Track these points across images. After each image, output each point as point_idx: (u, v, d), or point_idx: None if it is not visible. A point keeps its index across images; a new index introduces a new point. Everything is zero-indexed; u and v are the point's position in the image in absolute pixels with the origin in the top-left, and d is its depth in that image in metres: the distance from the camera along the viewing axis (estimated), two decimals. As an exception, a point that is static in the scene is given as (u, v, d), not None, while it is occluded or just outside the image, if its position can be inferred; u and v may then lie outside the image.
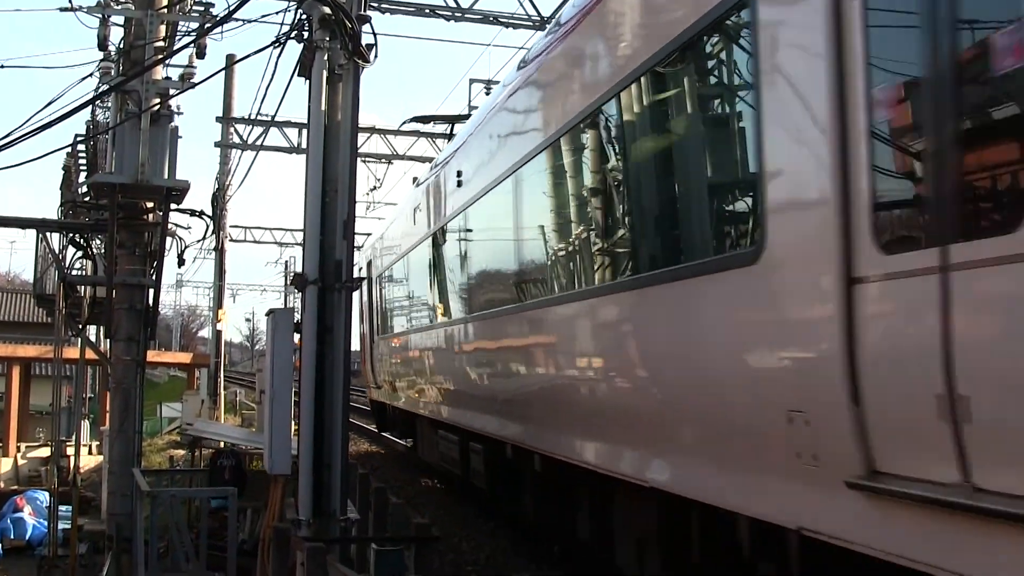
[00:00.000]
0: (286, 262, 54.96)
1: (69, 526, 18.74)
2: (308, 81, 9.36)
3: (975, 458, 3.65)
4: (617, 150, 7.09)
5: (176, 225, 15.48)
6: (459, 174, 11.75)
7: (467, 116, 17.88)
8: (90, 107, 17.13)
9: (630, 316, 6.72)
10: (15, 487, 28.72)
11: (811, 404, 4.53)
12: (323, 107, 9.28)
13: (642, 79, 6.38)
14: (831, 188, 4.25)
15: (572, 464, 7.89)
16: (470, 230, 11.58)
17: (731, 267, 5.17)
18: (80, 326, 17.70)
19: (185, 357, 52.72)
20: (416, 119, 21.72)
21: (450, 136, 19.96)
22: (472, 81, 26.41)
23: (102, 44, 14.59)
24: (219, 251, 32.88)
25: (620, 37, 6.91)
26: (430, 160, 22.58)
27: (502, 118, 10.12)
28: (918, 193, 4.04)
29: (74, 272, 17.68)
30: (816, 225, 4.38)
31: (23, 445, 33.22)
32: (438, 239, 13.31)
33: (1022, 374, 3.37)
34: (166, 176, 13.92)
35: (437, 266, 13.58)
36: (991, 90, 3.68)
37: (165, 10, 14.27)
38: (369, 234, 26.14)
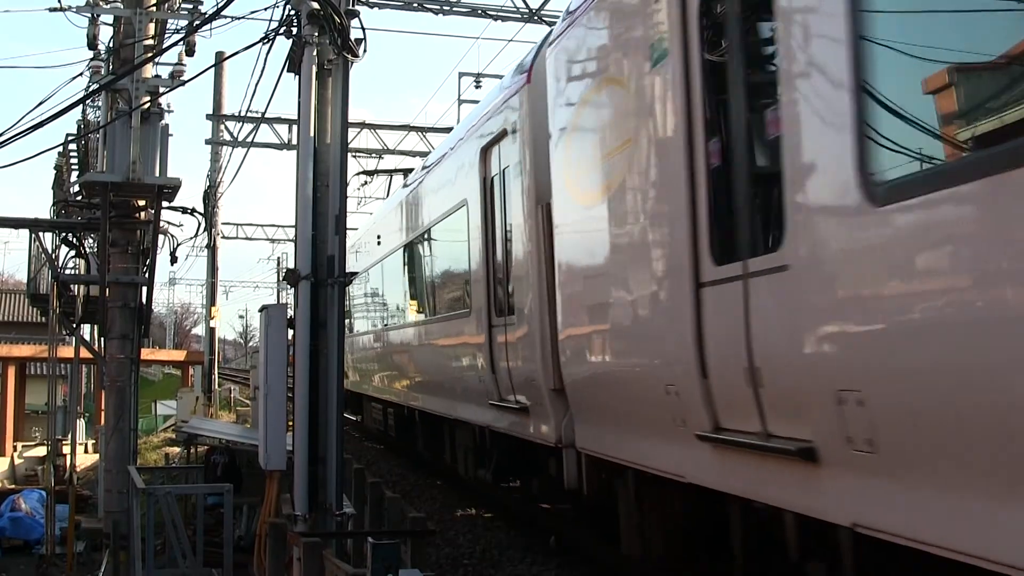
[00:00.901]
0: (278, 258, 54.79)
1: (66, 524, 18.79)
2: (297, 77, 9.36)
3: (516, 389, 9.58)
4: (427, 257, 14.08)
5: (168, 223, 15.55)
6: (378, 237, 18.41)
7: (409, 170, 21.25)
8: (81, 106, 17.09)
9: (438, 334, 13.05)
10: (12, 486, 28.76)
11: (483, 373, 10.34)
12: (313, 102, 9.28)
13: (433, 228, 13.35)
14: (484, 291, 10.28)
15: (433, 415, 14.02)
16: (381, 276, 18.65)
17: (465, 316, 11.28)
18: (74, 325, 17.73)
19: (179, 354, 52.76)
20: (363, 172, 26.95)
21: (391, 188, 24.65)
22: (461, 75, 26.45)
23: (92, 43, 14.58)
24: (211, 248, 32.87)
25: (430, 206, 13.68)
26: (423, 155, 22.81)
27: (386, 221, 17.65)
28: (509, 301, 9.63)
29: (67, 271, 17.71)
30: (482, 301, 10.39)
31: (19, 444, 33.24)
32: (369, 275, 20.13)
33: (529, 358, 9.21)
34: (157, 174, 13.96)
35: (367, 291, 20.88)
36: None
37: (154, 8, 14.28)
38: (355, 229, 26.57)
